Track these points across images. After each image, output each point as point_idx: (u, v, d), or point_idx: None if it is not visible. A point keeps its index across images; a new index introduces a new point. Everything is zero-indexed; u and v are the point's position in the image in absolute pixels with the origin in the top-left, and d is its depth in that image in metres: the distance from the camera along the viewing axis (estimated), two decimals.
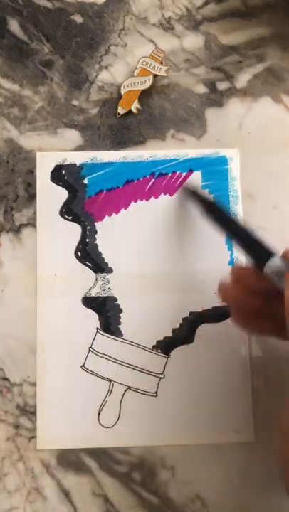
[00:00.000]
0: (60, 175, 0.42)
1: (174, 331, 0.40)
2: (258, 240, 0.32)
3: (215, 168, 0.42)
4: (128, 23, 0.44)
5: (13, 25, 0.44)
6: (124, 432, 0.39)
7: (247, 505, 0.38)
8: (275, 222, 0.42)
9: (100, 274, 0.41)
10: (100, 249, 0.41)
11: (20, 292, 0.41)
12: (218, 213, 0.36)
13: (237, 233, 0.34)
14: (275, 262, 0.30)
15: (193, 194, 0.39)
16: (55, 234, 0.41)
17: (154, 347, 0.40)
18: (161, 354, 0.40)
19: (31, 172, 0.42)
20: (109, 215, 0.42)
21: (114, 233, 0.41)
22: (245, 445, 0.39)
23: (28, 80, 0.44)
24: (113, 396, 0.39)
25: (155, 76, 0.43)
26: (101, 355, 0.40)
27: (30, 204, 0.42)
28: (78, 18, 0.44)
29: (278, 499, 0.38)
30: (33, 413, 0.39)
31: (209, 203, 0.37)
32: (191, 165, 0.42)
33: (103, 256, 0.41)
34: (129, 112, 0.43)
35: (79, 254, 0.41)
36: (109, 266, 0.41)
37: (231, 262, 0.41)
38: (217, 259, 0.41)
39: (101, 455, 0.39)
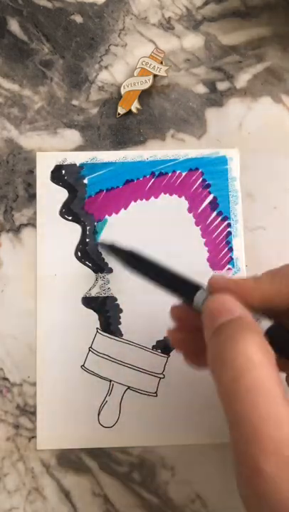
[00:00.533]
0: (60, 175, 0.42)
1: None
2: (183, 276, 0.31)
3: (215, 168, 0.42)
4: (128, 23, 0.44)
5: (13, 25, 0.44)
6: (124, 432, 0.39)
7: None
8: (275, 222, 0.42)
9: (100, 274, 0.41)
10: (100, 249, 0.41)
11: (20, 292, 0.41)
12: (139, 261, 0.34)
13: (161, 276, 0.32)
14: (201, 295, 0.28)
15: (110, 249, 0.37)
16: (55, 234, 0.41)
17: (154, 347, 0.40)
18: (161, 354, 0.40)
19: (31, 172, 0.42)
20: (109, 214, 0.42)
21: (114, 233, 0.41)
22: None
23: (28, 80, 0.44)
24: (113, 396, 0.39)
25: (155, 76, 0.43)
26: (101, 355, 0.40)
27: (30, 204, 0.42)
28: (78, 18, 0.45)
29: None
30: (33, 413, 0.39)
31: (127, 254, 0.35)
32: (191, 165, 0.42)
33: (103, 256, 0.41)
34: (129, 111, 0.43)
35: (79, 254, 0.41)
36: (109, 266, 0.41)
37: (232, 263, 0.41)
38: (217, 259, 0.41)
39: (101, 455, 0.39)
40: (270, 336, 0.26)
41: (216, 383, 0.23)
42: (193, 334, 0.30)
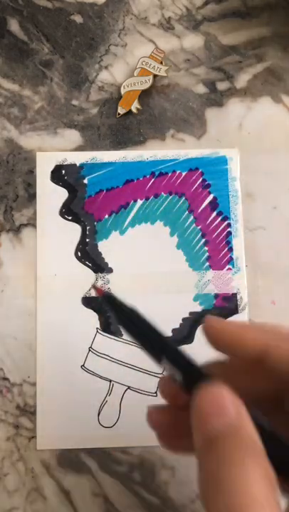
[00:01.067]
0: (60, 175, 0.42)
1: (174, 331, 0.40)
2: (188, 358, 0.25)
3: (215, 168, 0.42)
4: (128, 23, 0.44)
5: (13, 25, 0.44)
6: (124, 432, 0.39)
7: None
8: (275, 222, 0.42)
9: (100, 274, 0.41)
10: (100, 249, 0.41)
11: (20, 292, 0.41)
12: (139, 324, 0.28)
13: (162, 348, 0.26)
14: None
15: (109, 301, 0.30)
16: (55, 234, 0.41)
17: None
18: None
19: (31, 172, 0.42)
20: (109, 214, 0.41)
21: (114, 233, 0.41)
22: None
23: (28, 79, 0.44)
24: (113, 396, 0.39)
25: (155, 76, 0.43)
26: (101, 355, 0.40)
27: (30, 204, 0.42)
28: (78, 18, 0.44)
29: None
30: (33, 413, 0.39)
31: (127, 312, 0.29)
32: (191, 165, 0.42)
33: (103, 256, 0.41)
34: (129, 111, 0.43)
35: (79, 254, 0.41)
36: (109, 266, 0.41)
37: (232, 263, 0.41)
38: (217, 259, 0.41)
39: (101, 455, 0.39)
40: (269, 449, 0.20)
41: (207, 509, 0.19)
42: (176, 413, 0.26)
